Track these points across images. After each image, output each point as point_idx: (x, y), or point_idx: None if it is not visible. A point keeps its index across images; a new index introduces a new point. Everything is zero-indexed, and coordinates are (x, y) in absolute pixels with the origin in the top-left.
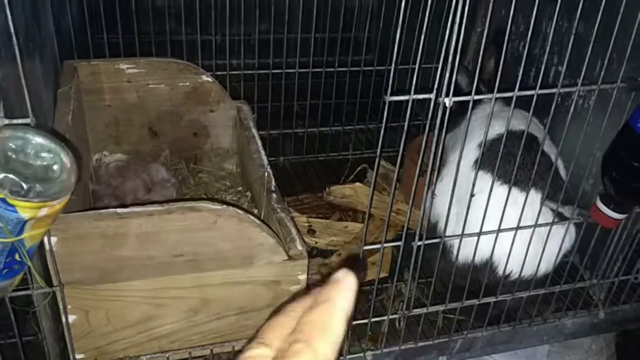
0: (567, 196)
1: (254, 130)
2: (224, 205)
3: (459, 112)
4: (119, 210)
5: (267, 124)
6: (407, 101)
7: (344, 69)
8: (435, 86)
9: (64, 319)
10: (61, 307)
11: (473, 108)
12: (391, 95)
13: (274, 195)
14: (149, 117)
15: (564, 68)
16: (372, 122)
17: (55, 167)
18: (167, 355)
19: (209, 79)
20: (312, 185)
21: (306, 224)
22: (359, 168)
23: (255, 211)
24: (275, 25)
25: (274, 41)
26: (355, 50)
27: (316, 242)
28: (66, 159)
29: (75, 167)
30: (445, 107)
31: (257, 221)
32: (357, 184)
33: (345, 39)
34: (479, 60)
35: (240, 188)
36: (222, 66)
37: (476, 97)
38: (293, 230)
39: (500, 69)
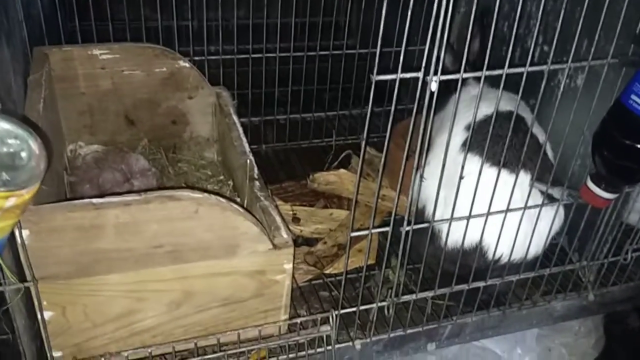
0: (556, 177)
1: (235, 117)
2: (205, 194)
3: (444, 94)
4: (94, 200)
5: (248, 110)
6: (393, 83)
7: (326, 52)
8: (423, 64)
9: (39, 316)
10: (36, 303)
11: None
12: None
13: (257, 183)
14: (124, 105)
15: (553, 46)
16: (355, 107)
17: (22, 154)
18: (149, 350)
19: (187, 64)
20: (296, 172)
21: (290, 212)
22: (343, 154)
23: (238, 200)
24: (253, 10)
25: (252, 26)
26: (337, 34)
27: (301, 231)
28: (35, 145)
29: (44, 154)
30: (432, 88)
31: (241, 209)
32: (342, 170)
33: (326, 23)
34: (466, 41)
35: (221, 177)
36: (200, 52)
37: (465, 76)
38: (278, 219)
39: (486, 49)
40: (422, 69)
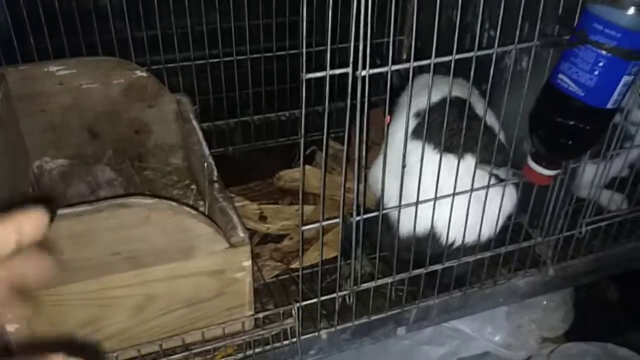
0: (507, 158)
1: (195, 122)
2: (157, 199)
3: (402, 87)
4: None
5: (211, 115)
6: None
7: (283, 52)
8: (351, 60)
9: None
10: None
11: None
12: (307, 72)
13: (216, 185)
14: (86, 119)
15: (479, 29)
16: (318, 104)
17: None
18: (116, 355)
19: (144, 74)
20: (264, 172)
21: (257, 211)
22: (308, 151)
23: (202, 203)
24: (208, 15)
25: (207, 32)
26: (296, 33)
27: (268, 228)
28: None
29: None
30: (364, 81)
31: (193, 212)
32: (306, 166)
33: (280, 24)
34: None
35: (187, 182)
36: (157, 61)
37: (394, 68)
38: (234, 218)
39: (413, 37)
40: (351, 64)
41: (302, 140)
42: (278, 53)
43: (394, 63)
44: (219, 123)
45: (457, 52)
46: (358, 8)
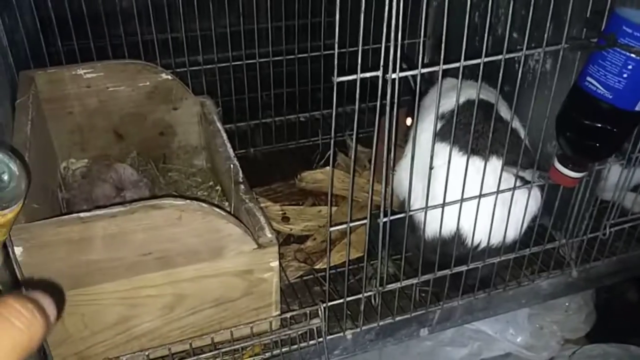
0: (531, 160)
1: (219, 124)
2: (187, 201)
3: (425, 89)
4: (81, 214)
5: (234, 117)
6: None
7: (304, 55)
8: (381, 63)
9: None
10: None
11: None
12: (339, 76)
13: (242, 187)
14: (112, 121)
15: (507, 32)
16: (339, 106)
17: (4, 176)
18: (147, 353)
19: (169, 77)
20: (285, 173)
21: (280, 212)
22: (329, 153)
23: (226, 204)
24: (230, 18)
25: (231, 34)
26: (316, 35)
27: (291, 229)
28: (14, 167)
29: (24, 174)
30: (394, 84)
31: (223, 213)
32: (328, 168)
33: (302, 25)
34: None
35: (211, 183)
36: (182, 64)
37: (424, 71)
38: (262, 219)
39: (444, 40)
40: (381, 67)
41: (333, 140)
42: (299, 55)
43: (417, 66)
44: (240, 124)
45: (478, 55)
46: (389, 12)
